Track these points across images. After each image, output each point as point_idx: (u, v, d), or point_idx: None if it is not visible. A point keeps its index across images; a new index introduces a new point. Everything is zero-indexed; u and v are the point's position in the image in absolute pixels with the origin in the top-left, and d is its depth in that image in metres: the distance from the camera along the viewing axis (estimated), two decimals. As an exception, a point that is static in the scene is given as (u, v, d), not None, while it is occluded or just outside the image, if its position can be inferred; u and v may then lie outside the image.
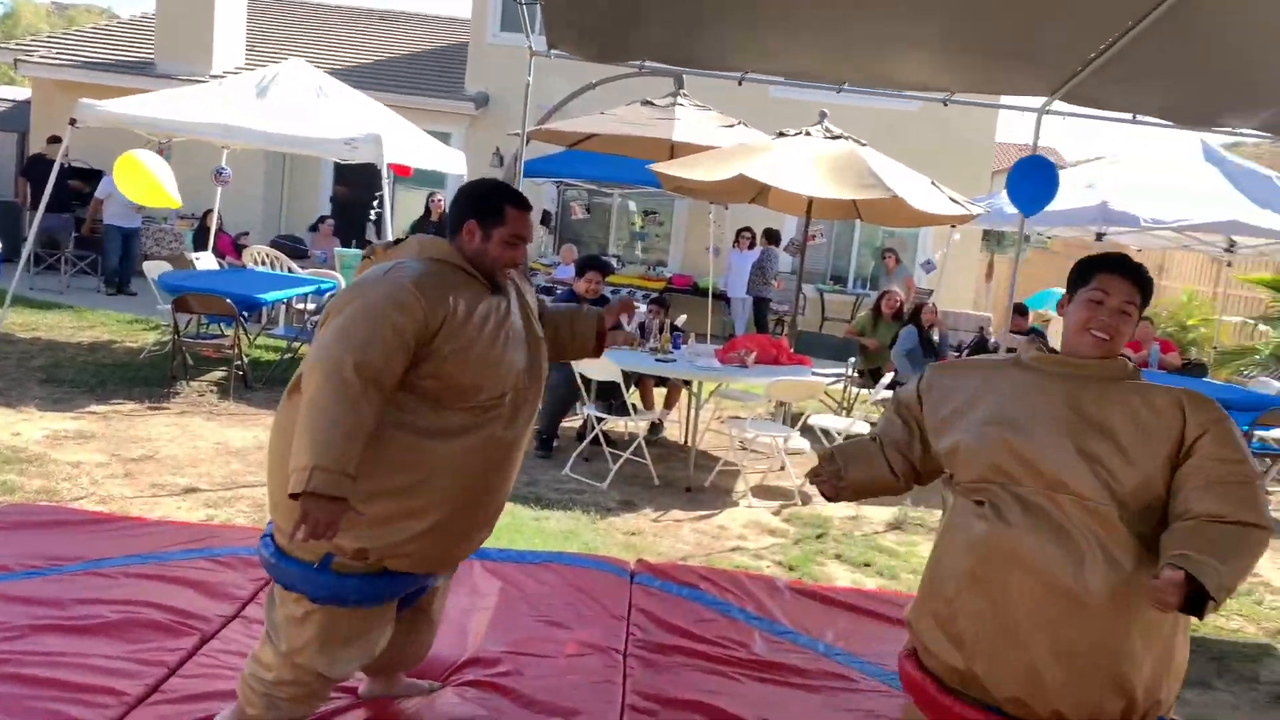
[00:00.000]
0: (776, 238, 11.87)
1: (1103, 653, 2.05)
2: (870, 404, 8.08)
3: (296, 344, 8.18)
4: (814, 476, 2.51)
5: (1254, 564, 2.01)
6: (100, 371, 7.33)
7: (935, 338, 8.46)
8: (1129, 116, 5.02)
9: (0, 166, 14.72)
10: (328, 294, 8.49)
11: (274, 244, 10.70)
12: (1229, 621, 4.59)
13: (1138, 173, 7.89)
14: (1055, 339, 11.90)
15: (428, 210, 10.68)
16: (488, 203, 2.47)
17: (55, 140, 11.73)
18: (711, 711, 3.11)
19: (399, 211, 12.72)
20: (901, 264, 12.13)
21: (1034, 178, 5.20)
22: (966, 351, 8.29)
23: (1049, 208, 7.34)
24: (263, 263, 9.61)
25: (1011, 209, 6.46)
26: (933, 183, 6.74)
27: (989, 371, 2.35)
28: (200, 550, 3.81)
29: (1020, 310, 8.85)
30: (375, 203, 8.95)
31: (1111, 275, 2.23)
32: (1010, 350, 7.37)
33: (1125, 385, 2.20)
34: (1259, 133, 4.95)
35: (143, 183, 7.40)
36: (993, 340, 8.49)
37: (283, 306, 9.24)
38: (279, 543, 2.38)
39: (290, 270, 9.39)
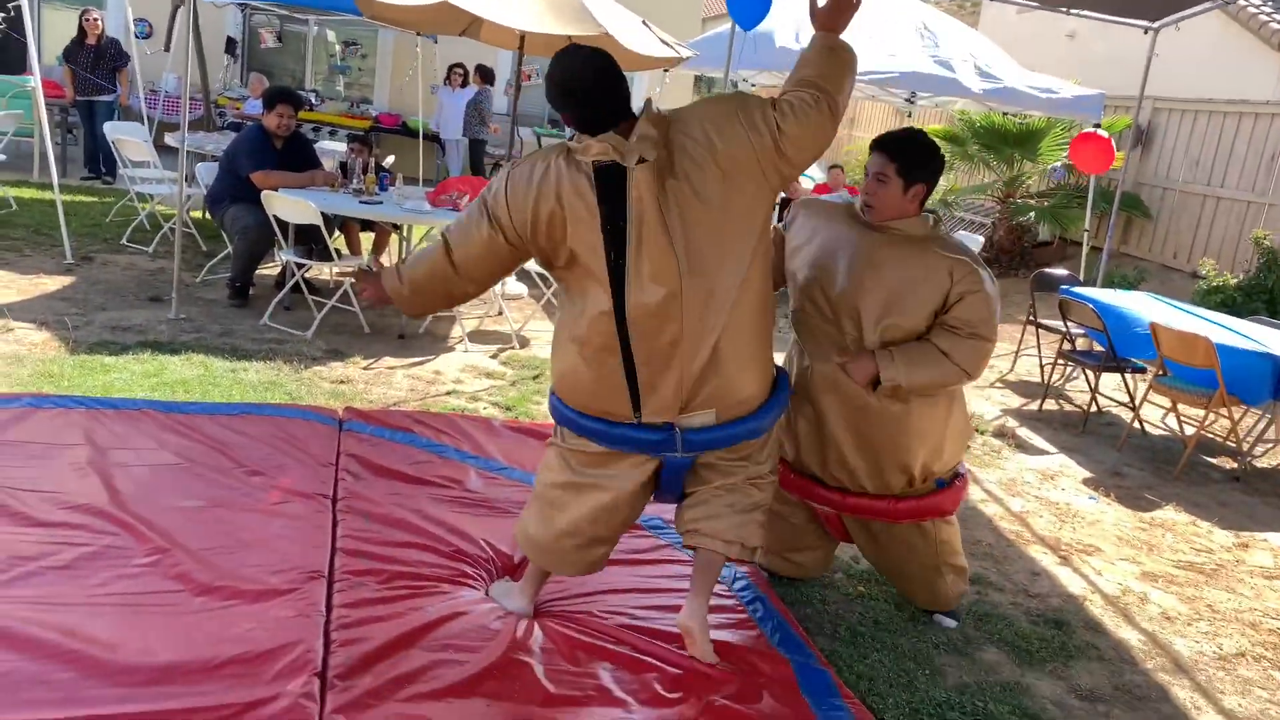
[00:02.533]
0: (491, 76, 11.40)
1: (890, 446, 2.84)
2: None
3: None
4: None
5: (936, 383, 2.73)
6: None
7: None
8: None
9: None
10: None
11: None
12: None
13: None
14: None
15: (82, 32, 9.19)
16: None
17: None
18: (429, 541, 3.11)
19: (46, 34, 10.91)
20: None
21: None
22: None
23: (752, 51, 7.52)
24: None
25: (720, 53, 6.57)
26: (644, 23, 6.69)
27: (829, 216, 2.93)
28: None
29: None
30: (1, 14, 7.51)
31: (872, 152, 2.80)
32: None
33: (918, 245, 2.74)
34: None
35: None
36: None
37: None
38: None
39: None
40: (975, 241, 8.74)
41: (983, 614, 3.34)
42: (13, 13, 6.73)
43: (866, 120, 15.72)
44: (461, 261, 2.58)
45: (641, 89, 13.07)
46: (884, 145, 2.78)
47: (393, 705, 2.33)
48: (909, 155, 2.75)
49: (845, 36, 2.58)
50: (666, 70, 8.88)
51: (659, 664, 2.67)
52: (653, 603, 3.00)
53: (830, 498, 2.98)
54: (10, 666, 2.26)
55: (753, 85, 10.20)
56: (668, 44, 6.75)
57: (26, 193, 8.24)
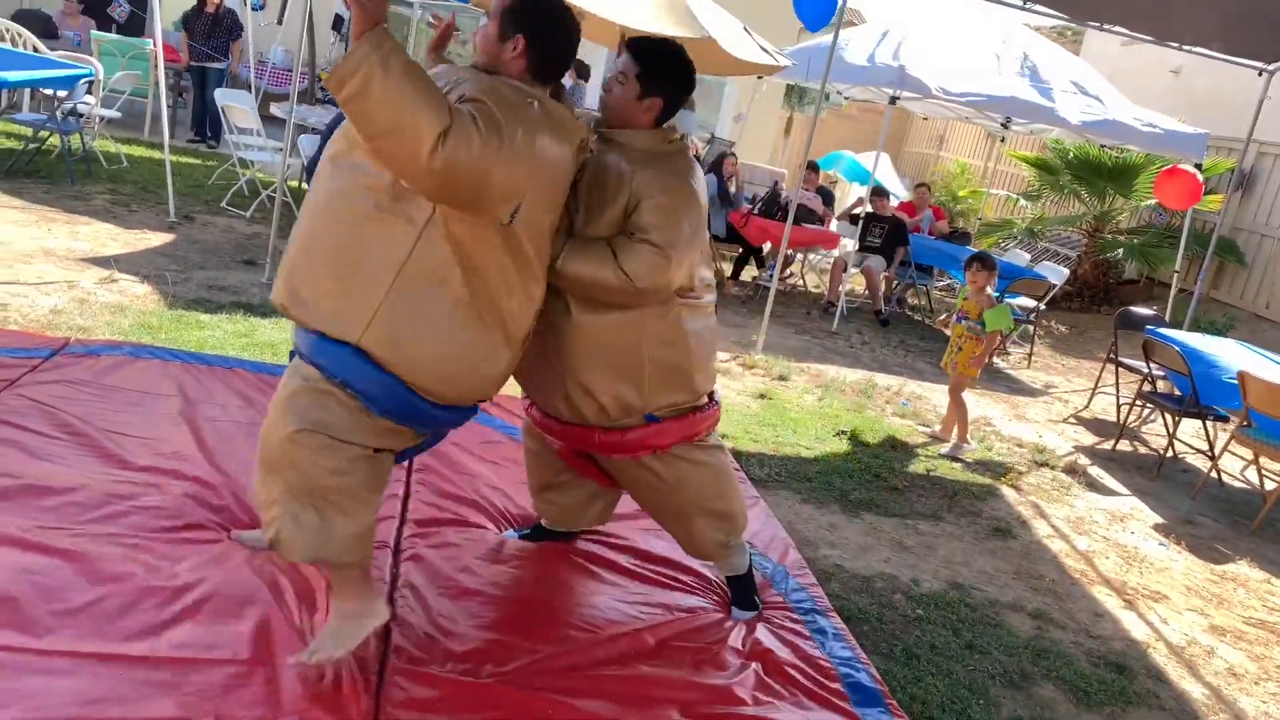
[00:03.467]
0: (587, 72, 11.53)
1: (564, 365, 2.63)
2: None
3: (45, 133, 7.28)
4: None
5: (591, 278, 2.49)
6: None
7: (732, 188, 8.64)
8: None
9: None
10: (82, 82, 7.54)
11: (16, 18, 9.29)
12: (963, 463, 5.13)
13: (933, 41, 8.16)
14: (842, 201, 12.34)
15: (201, 1, 9.54)
16: None
17: None
18: (492, 510, 3.19)
19: (171, 3, 11.32)
20: (688, 110, 12.14)
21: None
22: (760, 204, 8.52)
23: (851, 60, 7.49)
24: (2, 38, 8.35)
25: (818, 64, 6.56)
26: (745, 28, 6.70)
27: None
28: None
29: (813, 167, 9.16)
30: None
31: (622, 53, 2.65)
32: (800, 205, 7.60)
33: (629, 154, 2.57)
34: (1051, 11, 5.18)
35: None
36: (785, 195, 8.75)
37: (26, 91, 8.14)
38: None
39: (36, 50, 8.21)
40: (1060, 273, 8.57)
41: (1042, 650, 3.29)
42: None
43: (957, 142, 15.50)
44: None
45: (734, 95, 13.09)
46: (637, 47, 2.63)
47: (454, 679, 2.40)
48: (657, 65, 2.60)
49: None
50: (761, 77, 8.89)
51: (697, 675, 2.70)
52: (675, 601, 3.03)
53: (548, 425, 2.82)
54: (103, 594, 2.39)
55: (845, 99, 10.14)
56: (768, 51, 6.75)
57: (137, 150, 8.58)
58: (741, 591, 3.04)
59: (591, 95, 11.90)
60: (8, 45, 8.21)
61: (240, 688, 2.18)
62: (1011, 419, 6.30)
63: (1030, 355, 8.29)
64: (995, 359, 7.94)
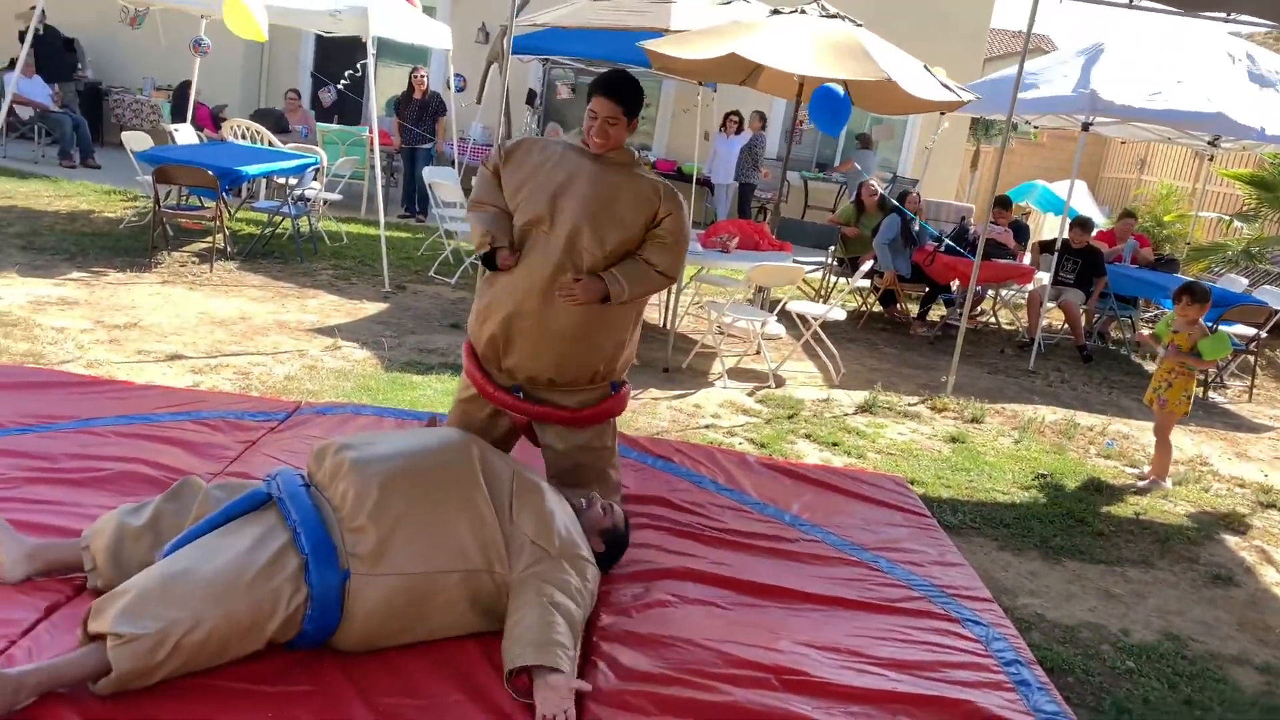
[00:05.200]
0: (767, 123, 11.73)
1: (574, 344, 3.08)
2: (847, 292, 8.19)
3: (278, 217, 8.14)
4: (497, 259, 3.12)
5: (651, 290, 3.11)
6: (80, 240, 7.30)
7: (915, 226, 8.52)
8: (1125, 1, 4.97)
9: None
10: (310, 170, 8.40)
11: (255, 117, 10.48)
12: (1175, 506, 4.82)
13: (1130, 62, 7.80)
14: (1041, 232, 11.83)
15: (411, 86, 10.43)
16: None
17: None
18: (683, 570, 3.29)
19: (380, 87, 12.41)
20: (868, 150, 12.02)
21: (828, 105, 6.28)
22: (945, 241, 8.34)
23: (1037, 94, 7.30)
24: (243, 136, 9.44)
25: (1003, 96, 6.42)
26: (925, 67, 6.67)
27: (554, 150, 3.18)
28: (188, 413, 3.91)
29: (1003, 203, 8.87)
30: (349, 72, 8.71)
31: (598, 97, 3.02)
32: (989, 240, 7.42)
33: (628, 171, 3.09)
34: (1257, 19, 4.89)
35: (240, 13, 7.13)
36: (973, 230, 8.53)
37: (264, 180, 9.15)
38: None
39: (271, 144, 9.24)
40: (1279, 296, 7.89)
41: (1273, 708, 3.05)
42: (359, 72, 7.78)
43: (1159, 164, 14.56)
44: None
45: (917, 131, 12.91)
46: (616, 93, 3.04)
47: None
48: (633, 99, 3.07)
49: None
50: (943, 114, 8.77)
51: None
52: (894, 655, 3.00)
53: (505, 401, 3.19)
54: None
55: (1035, 128, 9.80)
56: (949, 87, 6.68)
57: (355, 228, 9.43)
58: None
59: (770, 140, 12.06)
60: (247, 142, 9.29)
61: None
62: (1231, 457, 5.84)
63: (1251, 388, 7.65)
64: (1212, 394, 7.38)
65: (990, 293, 8.91)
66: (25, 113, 10.78)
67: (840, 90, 6.32)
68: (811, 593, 3.23)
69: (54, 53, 11.38)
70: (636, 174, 3.10)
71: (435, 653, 2.51)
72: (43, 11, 7.70)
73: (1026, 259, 8.90)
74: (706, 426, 5.09)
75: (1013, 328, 8.87)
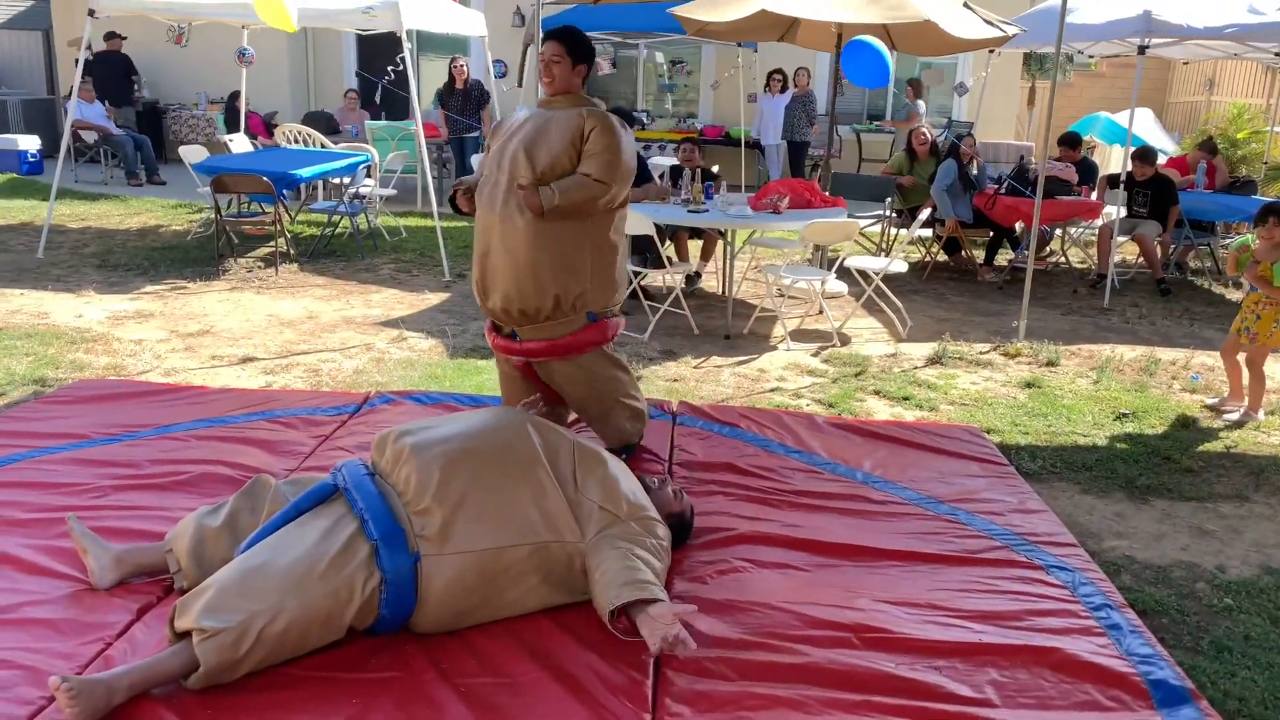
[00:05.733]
0: (812, 78, 11.49)
1: (530, 268, 3.36)
2: (907, 243, 8.02)
3: (337, 217, 8.28)
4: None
5: (586, 196, 3.30)
6: (151, 254, 7.52)
7: (974, 170, 8.29)
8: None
9: (29, 65, 14.69)
10: (362, 167, 8.51)
11: (306, 120, 10.65)
12: (1269, 437, 4.63)
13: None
14: (1108, 165, 11.37)
15: (451, 77, 10.48)
16: None
17: (113, 37, 11.61)
18: (756, 535, 3.27)
19: (423, 80, 12.50)
20: (919, 99, 11.68)
21: (860, 58, 6.25)
22: (1006, 183, 8.09)
23: (1088, 20, 7.00)
24: (295, 140, 9.61)
25: (1051, 27, 6.20)
26: (966, 4, 6.46)
27: (522, 115, 3.54)
28: (262, 413, 4.02)
29: (1071, 141, 8.54)
30: (390, 68, 8.79)
31: (545, 42, 3.44)
32: (1051, 177, 7.19)
33: (570, 110, 3.40)
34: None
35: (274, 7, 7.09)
36: (1033, 169, 8.27)
37: (320, 182, 9.30)
38: None
39: (323, 146, 9.39)
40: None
41: (1384, 637, 2.91)
42: (401, 65, 7.84)
43: (1230, 82, 13.91)
44: None
45: (967, 70, 12.54)
46: (557, 35, 3.43)
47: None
48: (574, 42, 3.43)
49: None
50: (992, 51, 8.51)
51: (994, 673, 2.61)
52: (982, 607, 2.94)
53: (509, 347, 3.53)
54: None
55: (1091, 57, 9.45)
56: (992, 24, 6.46)
57: (412, 221, 9.54)
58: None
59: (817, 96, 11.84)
60: (299, 145, 9.45)
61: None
62: (1330, 383, 5.59)
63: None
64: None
65: (1058, 232, 8.63)
66: (90, 137, 11.13)
67: (872, 41, 6.15)
68: (889, 549, 3.19)
69: (115, 76, 11.68)
70: (575, 109, 3.40)
71: (513, 632, 2.54)
72: (89, 42, 7.89)
73: (1094, 197, 8.60)
74: (772, 390, 5.04)
75: (1085, 266, 8.59)
